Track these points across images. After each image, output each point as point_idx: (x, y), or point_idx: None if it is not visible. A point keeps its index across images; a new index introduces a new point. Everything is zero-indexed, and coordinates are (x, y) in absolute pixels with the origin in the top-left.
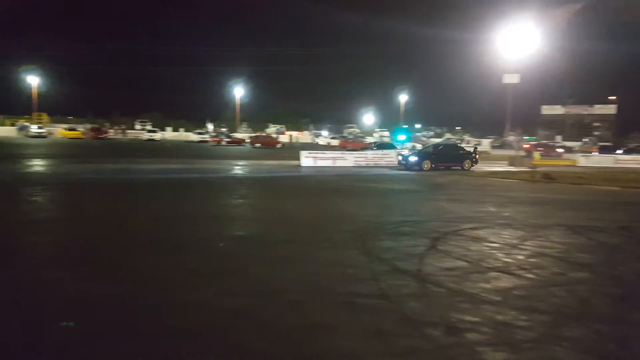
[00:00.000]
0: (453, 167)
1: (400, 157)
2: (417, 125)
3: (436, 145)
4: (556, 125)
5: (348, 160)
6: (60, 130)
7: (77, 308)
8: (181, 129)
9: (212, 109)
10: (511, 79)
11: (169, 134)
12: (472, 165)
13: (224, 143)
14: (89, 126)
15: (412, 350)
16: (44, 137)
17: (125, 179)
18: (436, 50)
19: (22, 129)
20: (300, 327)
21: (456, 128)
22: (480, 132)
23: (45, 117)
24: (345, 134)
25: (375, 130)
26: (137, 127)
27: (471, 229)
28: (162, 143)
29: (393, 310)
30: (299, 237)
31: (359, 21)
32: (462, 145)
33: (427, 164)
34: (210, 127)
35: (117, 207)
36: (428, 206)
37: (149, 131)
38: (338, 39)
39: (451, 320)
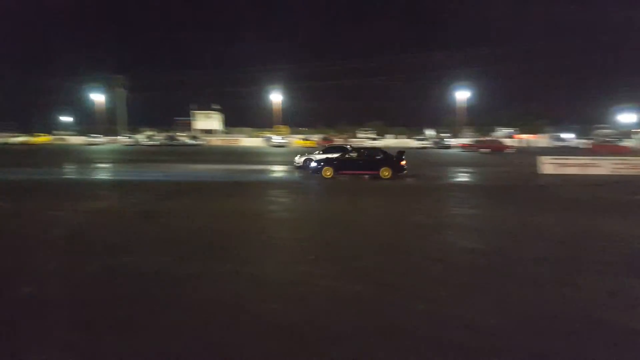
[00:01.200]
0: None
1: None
2: None
3: (354, 150)
4: None
5: (603, 167)
6: (296, 140)
7: (328, 304)
8: (401, 136)
9: (432, 114)
10: None
11: (390, 141)
12: (392, 174)
13: (482, 150)
14: (320, 136)
15: None
16: (284, 146)
17: (351, 183)
18: None
19: (267, 140)
20: None
21: None
22: None
23: (285, 129)
24: (597, 136)
25: (634, 130)
26: (360, 135)
27: None
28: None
29: None
30: (554, 256)
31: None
32: None
33: (328, 171)
34: (429, 133)
35: (346, 209)
36: None
37: (372, 139)
38: (582, 28)
39: None
